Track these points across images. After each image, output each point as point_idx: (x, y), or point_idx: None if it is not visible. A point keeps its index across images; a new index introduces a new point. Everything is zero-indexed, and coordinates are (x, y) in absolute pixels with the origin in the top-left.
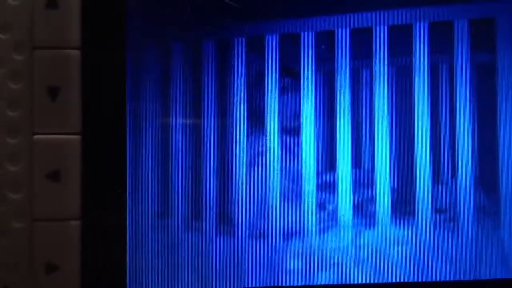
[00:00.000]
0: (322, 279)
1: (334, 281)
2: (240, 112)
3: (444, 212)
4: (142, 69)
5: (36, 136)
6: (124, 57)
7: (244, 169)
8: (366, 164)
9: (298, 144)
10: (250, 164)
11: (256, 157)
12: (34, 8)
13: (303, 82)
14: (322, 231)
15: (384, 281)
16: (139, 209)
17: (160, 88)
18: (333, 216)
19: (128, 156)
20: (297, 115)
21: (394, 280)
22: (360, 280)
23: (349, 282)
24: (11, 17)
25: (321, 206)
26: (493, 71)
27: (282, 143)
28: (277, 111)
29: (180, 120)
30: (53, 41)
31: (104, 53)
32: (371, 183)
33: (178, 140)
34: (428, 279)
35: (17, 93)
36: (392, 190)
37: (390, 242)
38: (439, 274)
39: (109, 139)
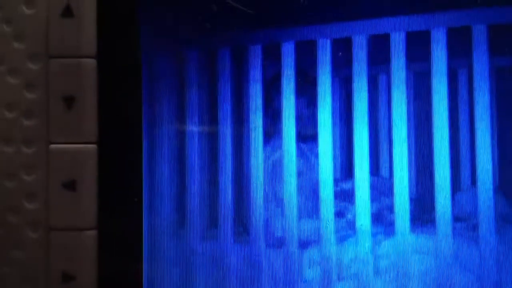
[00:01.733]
0: None
1: None
2: (256, 119)
3: (464, 220)
4: (157, 76)
5: (52, 146)
6: (140, 65)
7: (260, 177)
8: (384, 171)
9: (315, 151)
10: (267, 172)
11: (273, 165)
12: (49, 17)
13: (320, 88)
14: (340, 240)
15: None
16: (155, 218)
17: (176, 96)
18: (351, 225)
19: (144, 164)
20: (314, 122)
21: None
22: None
23: None
24: (26, 26)
25: (339, 215)
26: None
27: (299, 150)
28: (293, 118)
29: (196, 128)
30: (68, 50)
31: (120, 62)
32: (389, 191)
33: (194, 148)
34: None
35: (33, 103)
36: (411, 198)
37: (410, 251)
38: (459, 285)
39: (125, 148)
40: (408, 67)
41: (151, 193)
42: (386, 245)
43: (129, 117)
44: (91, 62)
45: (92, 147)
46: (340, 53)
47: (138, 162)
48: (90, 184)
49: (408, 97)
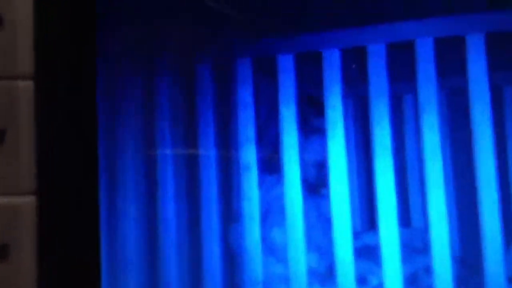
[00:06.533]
0: None
1: None
2: (248, 156)
3: None
4: (117, 100)
5: None
6: (94, 88)
7: (256, 234)
8: (416, 220)
9: (326, 198)
10: (264, 225)
11: (272, 217)
12: None
13: (329, 113)
14: None
15: None
16: None
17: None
18: None
19: (103, 227)
20: (323, 160)
21: None
22: None
23: None
24: None
25: (361, 281)
26: None
27: (305, 197)
28: (297, 157)
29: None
30: None
31: (64, 83)
32: (425, 247)
33: (168, 206)
34: None
35: None
36: (454, 256)
37: None
38: None
39: (75, 201)
40: (439, 84)
41: (113, 268)
42: None
43: (80, 159)
44: (27, 85)
45: (30, 200)
46: (354, 66)
47: (94, 222)
48: (27, 250)
49: (441, 122)
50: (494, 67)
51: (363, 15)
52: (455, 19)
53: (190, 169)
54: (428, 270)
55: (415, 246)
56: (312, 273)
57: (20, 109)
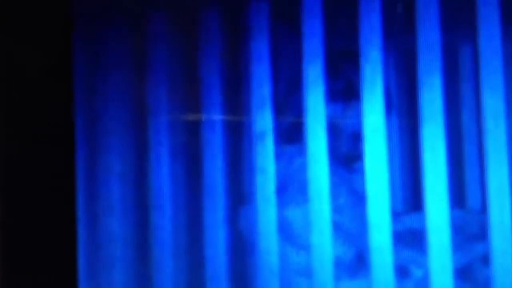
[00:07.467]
0: None
1: None
2: (263, 123)
3: None
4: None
5: None
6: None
7: (271, 217)
8: (472, 201)
9: (360, 173)
10: (281, 206)
11: (291, 196)
12: None
13: (366, 70)
14: None
15: None
16: None
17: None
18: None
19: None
20: (356, 127)
21: None
22: None
23: None
24: None
25: (402, 271)
26: None
27: (333, 172)
28: (323, 123)
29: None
30: None
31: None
32: (482, 233)
33: (163, 184)
34: None
35: None
36: None
37: None
38: None
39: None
40: (504, 32)
41: None
42: None
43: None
44: None
45: None
46: (400, 4)
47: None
48: None
49: (507, 82)
50: None
51: None
52: None
53: (191, 138)
54: (485, 260)
55: (470, 232)
56: (339, 264)
57: None
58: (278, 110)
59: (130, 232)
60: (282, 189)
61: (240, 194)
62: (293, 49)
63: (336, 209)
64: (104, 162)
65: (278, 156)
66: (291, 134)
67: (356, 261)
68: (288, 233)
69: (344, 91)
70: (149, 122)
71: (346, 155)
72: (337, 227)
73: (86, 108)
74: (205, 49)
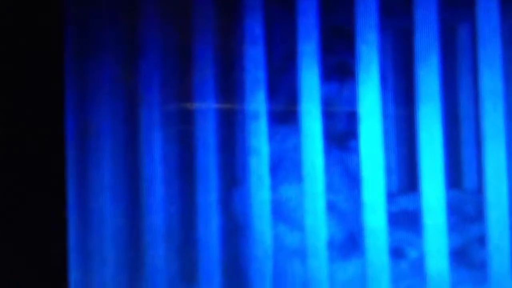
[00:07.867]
0: None
1: None
2: (256, 103)
3: None
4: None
5: None
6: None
7: (265, 197)
8: (469, 181)
9: (355, 152)
10: (275, 187)
11: (285, 176)
12: None
13: (361, 50)
14: None
15: None
16: None
17: None
18: (418, 269)
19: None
20: (351, 106)
21: None
22: None
23: None
24: None
25: (396, 253)
26: None
27: (327, 151)
28: (318, 103)
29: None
30: None
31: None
32: (479, 213)
33: (154, 164)
34: None
35: None
36: None
37: None
38: None
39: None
40: (503, 11)
41: None
42: None
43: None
44: None
45: None
46: None
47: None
48: None
49: (506, 59)
50: None
51: None
52: None
53: (184, 120)
54: (482, 241)
55: (466, 212)
56: (334, 245)
57: None
58: (272, 90)
59: (122, 214)
60: (276, 170)
61: (233, 175)
62: (287, 28)
63: (330, 189)
64: (95, 145)
65: (272, 136)
66: (285, 114)
67: (350, 242)
68: (282, 214)
69: (339, 70)
70: (141, 102)
71: (341, 135)
72: (331, 208)
73: (77, 92)
74: (197, 27)
